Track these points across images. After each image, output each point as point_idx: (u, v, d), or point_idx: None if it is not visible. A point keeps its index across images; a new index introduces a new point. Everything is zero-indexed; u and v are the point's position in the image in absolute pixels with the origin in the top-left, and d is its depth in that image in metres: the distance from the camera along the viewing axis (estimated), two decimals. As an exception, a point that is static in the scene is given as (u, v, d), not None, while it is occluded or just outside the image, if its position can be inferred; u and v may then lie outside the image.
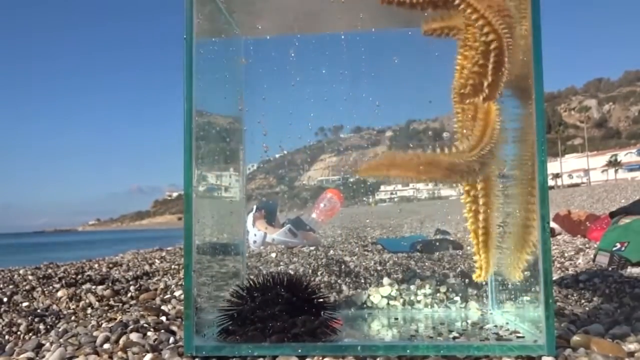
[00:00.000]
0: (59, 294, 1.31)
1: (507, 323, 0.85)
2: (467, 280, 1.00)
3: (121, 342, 0.80)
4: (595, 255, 1.70)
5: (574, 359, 0.67)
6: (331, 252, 1.46)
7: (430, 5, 0.73)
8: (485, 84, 0.71)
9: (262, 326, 0.74)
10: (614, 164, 61.07)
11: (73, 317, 1.12)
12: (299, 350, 0.70)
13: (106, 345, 0.80)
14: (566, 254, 1.95)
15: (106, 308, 1.20)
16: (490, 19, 0.67)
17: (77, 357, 0.75)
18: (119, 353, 0.75)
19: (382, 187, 1.24)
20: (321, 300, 0.80)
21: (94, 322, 1.02)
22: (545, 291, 0.68)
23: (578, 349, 0.70)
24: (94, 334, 0.87)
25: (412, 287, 1.02)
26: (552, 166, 61.49)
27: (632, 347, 0.72)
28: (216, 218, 0.92)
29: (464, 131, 0.75)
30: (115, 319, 1.01)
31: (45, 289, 1.37)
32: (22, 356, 0.78)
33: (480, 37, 0.69)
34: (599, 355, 0.67)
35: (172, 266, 1.83)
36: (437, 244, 1.19)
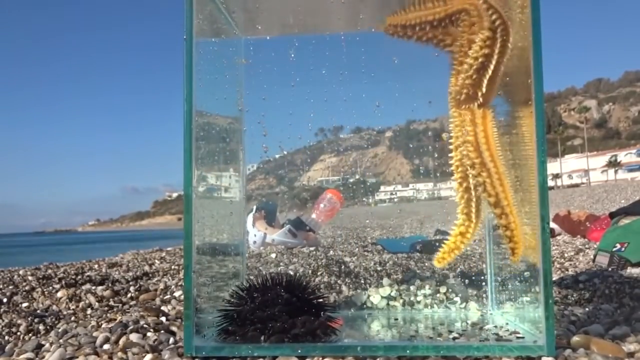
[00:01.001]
0: (59, 294, 1.31)
1: (507, 323, 0.85)
2: (467, 281, 1.00)
3: (121, 342, 0.80)
4: (595, 256, 1.70)
5: (573, 359, 0.67)
6: (331, 252, 1.46)
7: (428, 25, 0.79)
8: (480, 94, 0.75)
9: (262, 327, 0.74)
10: (613, 164, 61.09)
11: (73, 318, 1.12)
12: (299, 351, 0.70)
13: (106, 346, 0.80)
14: (566, 255, 1.95)
15: (106, 308, 1.20)
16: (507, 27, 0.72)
17: (77, 357, 0.75)
18: (119, 354, 0.75)
19: (382, 188, 1.24)
20: (321, 300, 0.80)
21: (93, 323, 1.02)
22: (545, 292, 0.68)
23: (578, 350, 0.70)
24: (94, 334, 0.87)
25: (412, 288, 1.02)
26: (552, 166, 61.50)
27: (631, 347, 0.72)
28: (216, 218, 0.92)
29: (463, 132, 0.76)
30: (115, 319, 1.01)
31: (45, 290, 1.37)
32: (21, 357, 0.78)
33: (479, 50, 0.73)
34: (598, 355, 0.67)
35: (172, 267, 1.84)
36: (437, 244, 1.19)
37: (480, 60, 0.73)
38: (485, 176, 0.75)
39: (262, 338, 0.73)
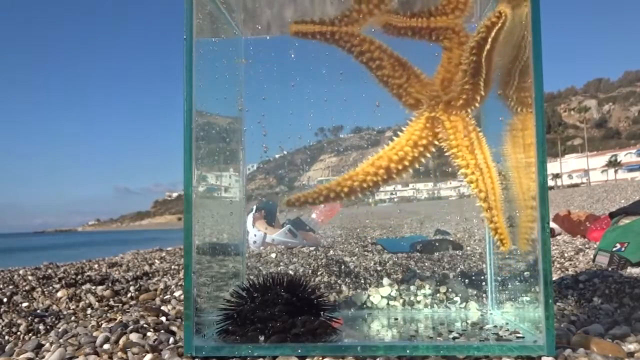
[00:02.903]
0: (59, 294, 1.31)
1: (507, 323, 0.85)
2: (467, 281, 1.00)
3: (121, 342, 0.80)
4: (595, 256, 1.70)
5: (573, 359, 0.67)
6: (331, 252, 1.46)
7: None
8: (479, 98, 0.81)
9: (262, 326, 0.74)
10: (613, 164, 61.05)
11: (73, 318, 1.12)
12: (299, 351, 0.70)
13: (106, 346, 0.80)
14: (566, 254, 1.95)
15: (106, 308, 1.20)
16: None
17: (77, 357, 0.75)
18: (119, 353, 0.75)
19: (382, 188, 1.24)
20: (321, 300, 0.80)
21: (93, 323, 1.02)
22: (545, 291, 0.68)
23: (578, 349, 0.70)
24: (94, 334, 0.87)
25: (412, 288, 1.02)
26: (552, 166, 61.47)
27: (631, 347, 0.72)
28: (216, 218, 0.92)
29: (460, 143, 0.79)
30: (115, 319, 1.01)
31: (45, 290, 1.37)
32: (22, 356, 0.78)
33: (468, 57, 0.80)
34: (598, 355, 0.67)
35: (172, 266, 1.84)
36: (437, 244, 1.19)
37: (472, 66, 0.78)
38: (478, 174, 0.79)
39: (261, 338, 0.73)
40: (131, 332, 0.86)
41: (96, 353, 0.76)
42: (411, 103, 0.87)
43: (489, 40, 0.75)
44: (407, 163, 0.84)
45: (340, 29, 0.86)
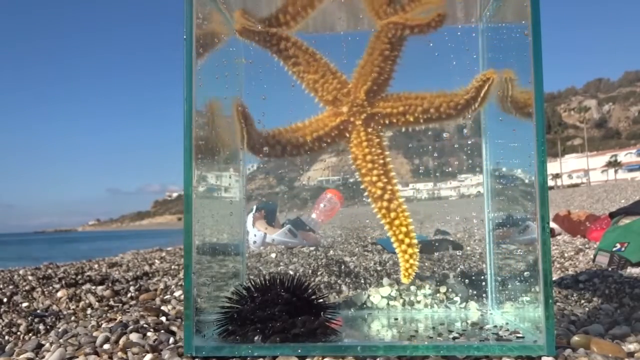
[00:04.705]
0: (59, 294, 1.31)
1: (507, 323, 0.85)
2: (467, 281, 1.00)
3: (121, 342, 0.80)
4: (595, 256, 1.70)
5: (573, 359, 0.67)
6: (331, 252, 1.46)
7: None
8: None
9: (262, 326, 0.74)
10: (613, 164, 61.07)
11: (73, 318, 1.13)
12: (299, 351, 0.70)
13: (106, 346, 0.80)
14: (566, 254, 1.95)
15: (106, 308, 1.20)
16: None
17: (77, 357, 0.75)
18: (119, 353, 0.75)
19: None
20: (321, 300, 0.80)
21: (93, 323, 1.02)
22: (545, 291, 0.68)
23: (578, 350, 0.70)
24: (94, 334, 0.87)
25: (412, 288, 1.02)
26: (552, 166, 61.49)
27: (631, 347, 0.72)
28: (216, 218, 0.92)
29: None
30: (115, 319, 1.01)
31: (45, 290, 1.37)
32: (22, 356, 0.78)
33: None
34: (598, 355, 0.67)
35: (172, 266, 1.84)
36: (437, 244, 1.19)
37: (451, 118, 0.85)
38: (396, 204, 0.86)
39: (257, 338, 0.73)
40: (131, 332, 0.86)
41: (96, 353, 0.76)
42: (328, 99, 0.87)
43: (478, 99, 0.82)
44: (302, 151, 0.85)
45: (270, 30, 0.87)
